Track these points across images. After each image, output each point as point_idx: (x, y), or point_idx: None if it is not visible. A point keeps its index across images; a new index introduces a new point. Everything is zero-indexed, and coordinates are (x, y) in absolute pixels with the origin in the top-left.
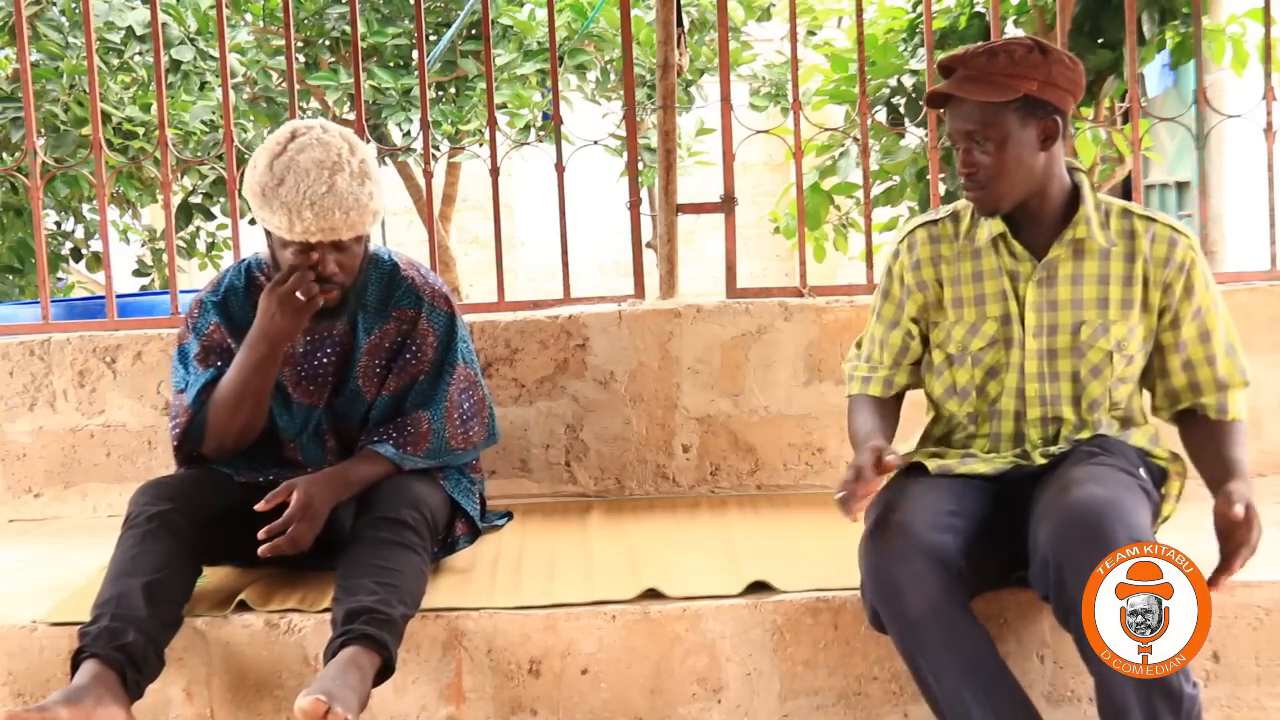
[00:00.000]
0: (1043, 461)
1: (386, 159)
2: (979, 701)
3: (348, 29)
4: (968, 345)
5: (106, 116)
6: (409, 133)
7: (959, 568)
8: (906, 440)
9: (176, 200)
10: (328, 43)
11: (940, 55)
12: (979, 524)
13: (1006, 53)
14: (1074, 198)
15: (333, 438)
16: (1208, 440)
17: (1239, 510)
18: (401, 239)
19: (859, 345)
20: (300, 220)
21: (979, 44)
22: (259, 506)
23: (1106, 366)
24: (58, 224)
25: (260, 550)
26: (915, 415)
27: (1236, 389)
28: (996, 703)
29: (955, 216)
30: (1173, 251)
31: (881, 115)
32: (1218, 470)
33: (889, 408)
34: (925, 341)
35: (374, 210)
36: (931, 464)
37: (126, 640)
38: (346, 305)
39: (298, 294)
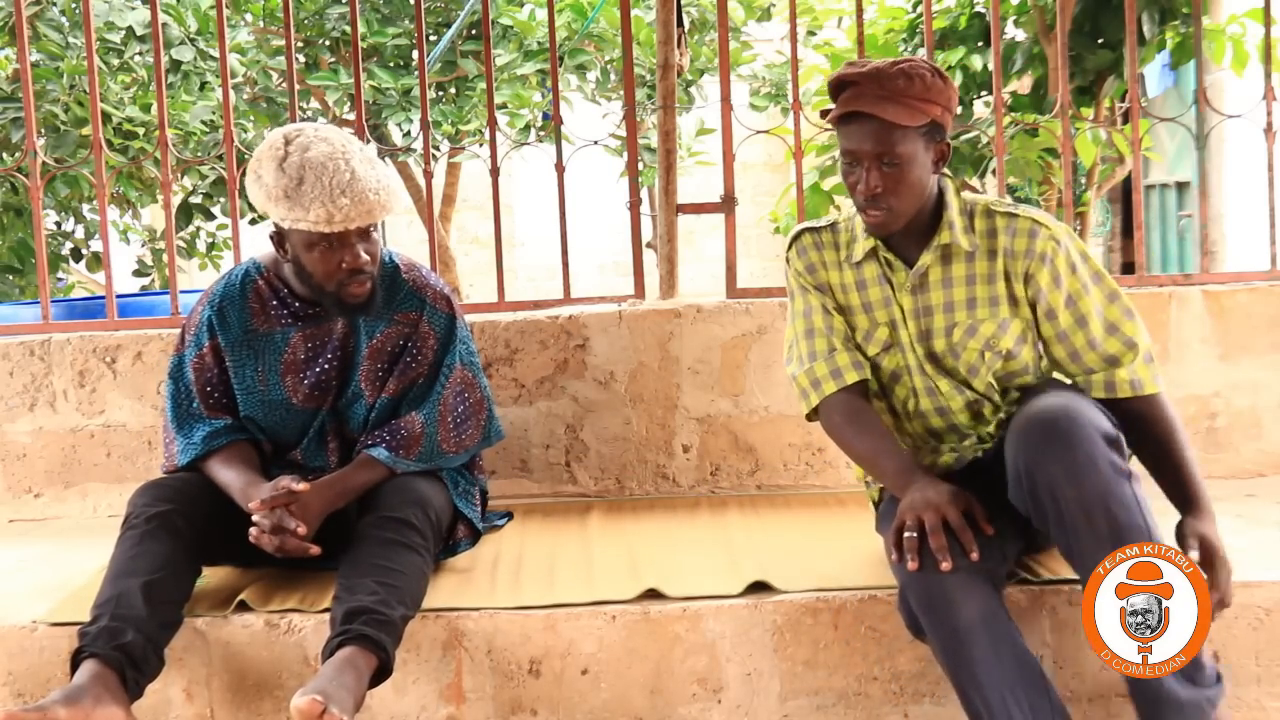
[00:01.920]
0: (1000, 432)
1: (386, 159)
2: (1024, 712)
3: (348, 29)
4: (866, 351)
5: (106, 116)
6: (409, 133)
7: (1000, 573)
8: None
9: (176, 200)
10: (328, 43)
11: (838, 68)
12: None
13: (919, 76)
14: (940, 204)
15: (334, 439)
16: (1133, 428)
17: (1195, 555)
18: (401, 239)
19: (792, 352)
20: (338, 209)
21: (883, 62)
22: (252, 505)
23: (981, 365)
24: (58, 224)
25: (251, 534)
26: None
27: (1128, 362)
28: (1039, 714)
29: (835, 228)
30: (1032, 243)
31: None
32: (1169, 482)
33: (876, 416)
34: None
35: (396, 189)
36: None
37: (126, 640)
38: (375, 298)
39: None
